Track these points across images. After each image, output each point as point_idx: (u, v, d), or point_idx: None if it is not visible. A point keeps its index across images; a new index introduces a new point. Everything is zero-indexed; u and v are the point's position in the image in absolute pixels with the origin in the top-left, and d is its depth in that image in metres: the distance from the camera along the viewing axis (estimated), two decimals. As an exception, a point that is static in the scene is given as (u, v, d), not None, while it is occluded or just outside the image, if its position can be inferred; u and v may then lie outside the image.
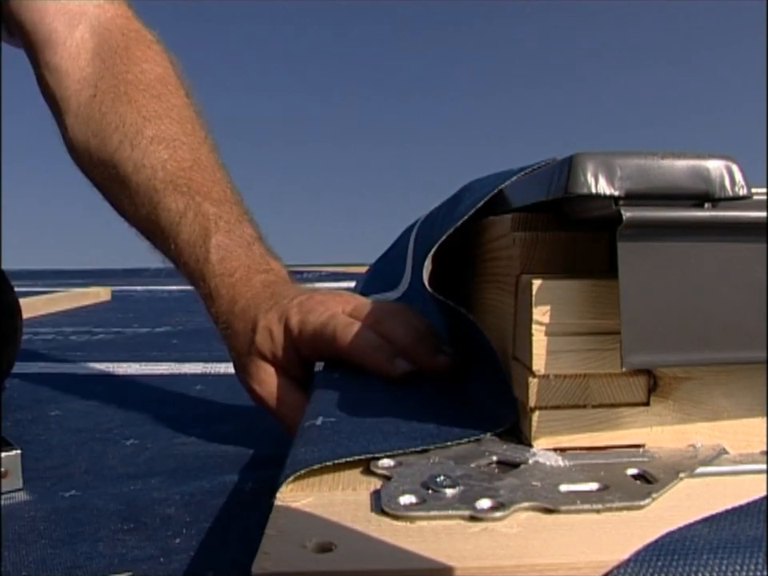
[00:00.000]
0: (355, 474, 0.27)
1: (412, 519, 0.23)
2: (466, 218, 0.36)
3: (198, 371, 0.69)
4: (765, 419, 0.30)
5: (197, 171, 0.43)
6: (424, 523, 0.23)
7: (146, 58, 0.47)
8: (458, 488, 0.25)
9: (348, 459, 0.27)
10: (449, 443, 0.30)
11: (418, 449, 0.29)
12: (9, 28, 0.48)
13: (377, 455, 0.28)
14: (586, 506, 0.23)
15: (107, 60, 0.45)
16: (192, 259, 0.43)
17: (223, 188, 0.44)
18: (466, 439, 0.30)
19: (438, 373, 0.36)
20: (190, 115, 0.46)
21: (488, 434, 0.30)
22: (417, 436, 0.30)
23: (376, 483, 0.26)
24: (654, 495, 0.24)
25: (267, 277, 0.42)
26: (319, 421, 0.32)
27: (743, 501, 0.23)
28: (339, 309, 0.38)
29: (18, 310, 0.62)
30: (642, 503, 0.24)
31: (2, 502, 0.35)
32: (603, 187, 0.26)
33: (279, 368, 0.39)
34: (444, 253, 0.37)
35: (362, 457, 0.28)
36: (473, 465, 0.28)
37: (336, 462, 0.27)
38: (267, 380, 0.39)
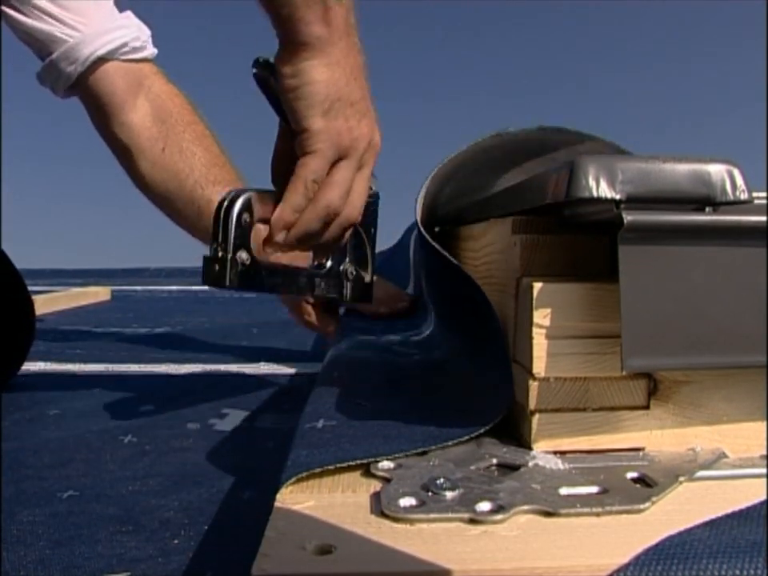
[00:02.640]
0: (355, 476, 0.27)
1: (412, 521, 0.23)
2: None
3: (198, 371, 0.69)
4: (765, 423, 0.30)
5: None
6: (424, 525, 0.23)
7: (191, 119, 0.66)
8: (457, 490, 0.25)
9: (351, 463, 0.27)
10: (449, 443, 0.30)
11: (419, 450, 0.29)
12: (72, 88, 0.63)
13: (378, 459, 0.28)
14: (586, 510, 0.23)
15: (166, 121, 0.65)
16: None
17: None
18: (467, 436, 0.30)
19: (402, 311, 0.70)
20: (225, 160, 0.67)
21: (490, 425, 0.30)
22: (418, 438, 0.30)
23: (376, 485, 0.26)
24: (654, 499, 0.24)
25: None
26: (320, 423, 0.32)
27: (743, 505, 0.23)
28: None
29: (32, 308, 0.63)
30: (641, 507, 0.24)
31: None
32: (604, 191, 0.26)
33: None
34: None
35: (363, 461, 0.28)
36: (472, 467, 0.28)
37: (337, 465, 0.27)
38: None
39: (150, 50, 0.65)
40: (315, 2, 0.39)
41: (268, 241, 0.40)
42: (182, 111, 0.66)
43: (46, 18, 0.59)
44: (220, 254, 0.38)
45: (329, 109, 0.40)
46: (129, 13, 0.65)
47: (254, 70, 0.42)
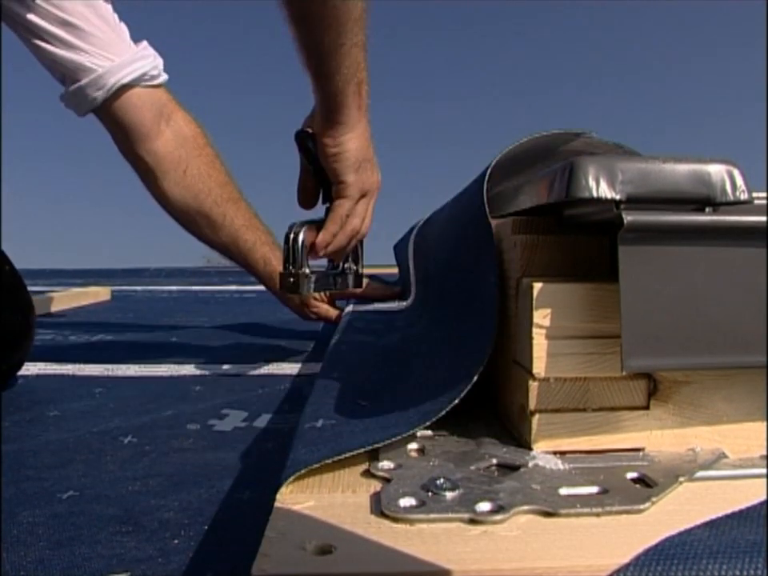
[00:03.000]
0: (355, 476, 0.27)
1: (412, 522, 0.23)
2: None
3: (197, 372, 0.69)
4: (765, 423, 0.30)
5: (245, 212, 0.80)
6: (424, 526, 0.23)
7: (203, 143, 0.78)
8: (457, 491, 0.25)
9: (347, 456, 0.27)
10: (442, 413, 0.30)
11: (415, 430, 0.29)
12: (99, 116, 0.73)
13: (376, 446, 0.28)
14: (586, 510, 0.23)
15: (185, 146, 0.77)
16: (258, 266, 0.80)
17: (257, 221, 0.81)
18: (457, 399, 0.30)
19: (393, 296, 0.86)
20: (229, 178, 0.80)
21: (475, 378, 0.30)
22: (414, 420, 0.30)
23: (376, 485, 0.26)
24: (654, 499, 0.24)
25: None
26: (320, 423, 0.32)
27: (743, 505, 0.23)
28: None
29: (31, 308, 0.63)
30: (641, 507, 0.24)
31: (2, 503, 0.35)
32: (604, 191, 0.26)
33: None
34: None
35: (362, 450, 0.28)
36: (472, 467, 0.28)
37: (336, 459, 0.27)
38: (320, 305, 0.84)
39: (164, 77, 0.75)
40: (356, 94, 0.54)
41: (312, 254, 0.56)
42: (197, 137, 0.78)
43: (75, 49, 0.68)
44: (293, 270, 0.54)
45: (358, 168, 0.57)
46: (145, 43, 0.73)
47: (299, 137, 0.58)
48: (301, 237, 0.55)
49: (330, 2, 0.50)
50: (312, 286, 0.56)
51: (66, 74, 0.70)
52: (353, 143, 0.57)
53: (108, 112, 0.72)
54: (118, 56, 0.70)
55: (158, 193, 0.77)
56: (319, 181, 0.59)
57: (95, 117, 0.75)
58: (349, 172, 0.57)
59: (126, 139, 0.74)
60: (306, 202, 0.61)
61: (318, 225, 0.57)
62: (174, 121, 0.76)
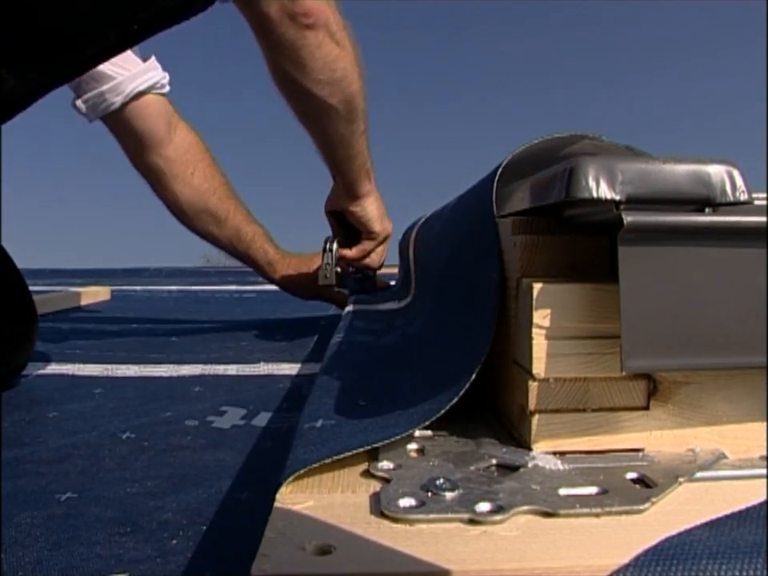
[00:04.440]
0: (355, 476, 0.27)
1: (411, 522, 0.23)
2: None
3: (197, 373, 0.69)
4: (764, 424, 0.30)
5: (243, 208, 0.91)
6: (423, 526, 0.23)
7: (204, 148, 0.87)
8: (457, 491, 0.25)
9: (347, 456, 0.27)
10: (442, 412, 0.29)
11: (416, 429, 0.29)
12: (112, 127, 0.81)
13: (375, 446, 0.28)
14: (586, 510, 0.23)
15: (190, 151, 0.85)
16: (259, 255, 0.92)
17: (252, 216, 0.92)
18: (456, 398, 0.29)
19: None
20: (226, 179, 0.90)
21: (474, 374, 0.30)
22: (413, 420, 0.30)
23: (375, 485, 0.26)
24: (654, 499, 0.24)
25: (283, 257, 0.96)
26: (319, 423, 0.32)
27: (743, 506, 0.23)
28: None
29: (34, 312, 0.63)
30: (641, 507, 0.24)
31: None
32: (604, 191, 0.26)
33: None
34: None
35: (361, 450, 0.28)
36: (472, 468, 0.28)
37: (335, 459, 0.27)
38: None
39: (168, 88, 0.82)
40: (366, 172, 0.80)
41: (342, 261, 0.89)
42: (199, 143, 0.87)
43: None
44: (328, 267, 0.85)
45: (379, 221, 0.86)
46: (153, 58, 0.80)
47: (331, 219, 0.90)
48: (335, 246, 0.87)
49: (339, 130, 0.69)
50: (338, 281, 0.88)
51: (83, 79, 0.74)
52: (372, 206, 0.83)
53: (122, 117, 0.78)
54: (131, 65, 0.77)
55: (169, 195, 0.85)
56: (350, 240, 0.90)
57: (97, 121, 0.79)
58: (375, 226, 0.86)
59: (139, 144, 0.81)
60: (337, 234, 0.90)
61: (343, 241, 0.89)
62: (179, 128, 0.85)
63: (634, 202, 0.27)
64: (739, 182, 0.27)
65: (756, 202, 0.27)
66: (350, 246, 0.89)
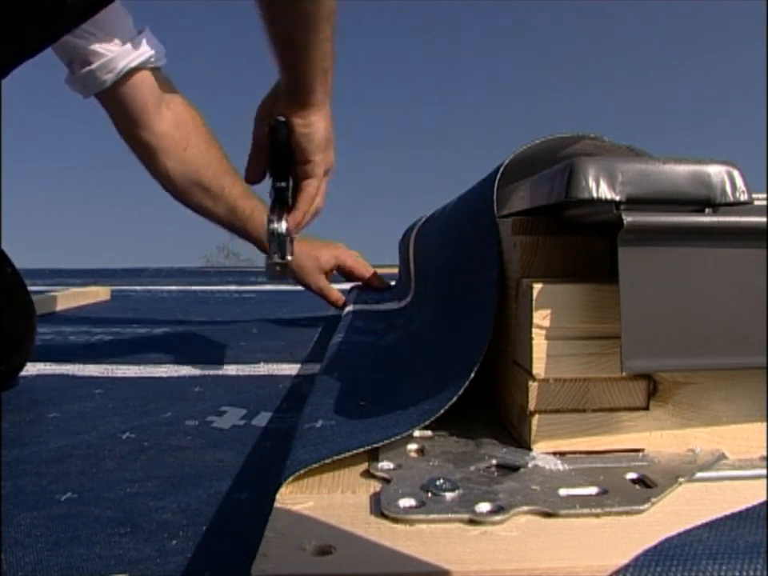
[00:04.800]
0: (355, 476, 0.27)
1: (411, 522, 0.23)
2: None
3: (197, 373, 0.69)
4: (764, 424, 0.30)
5: (241, 183, 0.84)
6: (423, 526, 0.23)
7: (199, 122, 0.84)
8: (457, 491, 0.25)
9: (347, 456, 0.27)
10: (441, 411, 0.30)
11: (416, 429, 0.29)
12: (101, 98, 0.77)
13: (375, 446, 0.28)
14: (586, 510, 0.23)
15: (182, 127, 0.81)
16: (258, 230, 0.85)
17: (250, 191, 0.86)
18: (455, 397, 0.30)
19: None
20: (223, 152, 0.86)
21: (472, 373, 0.30)
22: (413, 420, 0.30)
23: (375, 486, 0.26)
24: (654, 500, 0.24)
25: None
26: (319, 423, 0.32)
27: (742, 506, 0.23)
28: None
29: (33, 311, 0.63)
30: (641, 508, 0.24)
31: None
32: (604, 192, 0.26)
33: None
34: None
35: (361, 450, 0.28)
36: (472, 468, 0.28)
37: (335, 459, 0.27)
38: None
39: (163, 61, 0.79)
40: (323, 77, 0.60)
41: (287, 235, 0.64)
42: (194, 117, 0.84)
43: (85, 33, 0.71)
44: (278, 259, 0.61)
45: (324, 147, 0.63)
46: (147, 30, 0.77)
47: (271, 123, 0.61)
48: (284, 227, 0.61)
49: (301, 3, 0.55)
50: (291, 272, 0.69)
51: (74, 57, 0.73)
52: (321, 124, 0.62)
53: (114, 95, 0.76)
54: (124, 40, 0.74)
55: (160, 170, 0.82)
56: (277, 160, 0.64)
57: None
58: (318, 151, 0.63)
59: (130, 121, 0.78)
60: (256, 177, 0.66)
61: (284, 207, 0.63)
62: (173, 103, 0.81)
63: (634, 203, 0.27)
64: (739, 182, 0.27)
65: (756, 202, 0.27)
66: (279, 177, 0.64)
